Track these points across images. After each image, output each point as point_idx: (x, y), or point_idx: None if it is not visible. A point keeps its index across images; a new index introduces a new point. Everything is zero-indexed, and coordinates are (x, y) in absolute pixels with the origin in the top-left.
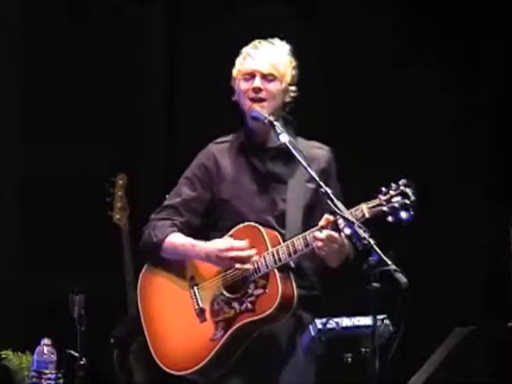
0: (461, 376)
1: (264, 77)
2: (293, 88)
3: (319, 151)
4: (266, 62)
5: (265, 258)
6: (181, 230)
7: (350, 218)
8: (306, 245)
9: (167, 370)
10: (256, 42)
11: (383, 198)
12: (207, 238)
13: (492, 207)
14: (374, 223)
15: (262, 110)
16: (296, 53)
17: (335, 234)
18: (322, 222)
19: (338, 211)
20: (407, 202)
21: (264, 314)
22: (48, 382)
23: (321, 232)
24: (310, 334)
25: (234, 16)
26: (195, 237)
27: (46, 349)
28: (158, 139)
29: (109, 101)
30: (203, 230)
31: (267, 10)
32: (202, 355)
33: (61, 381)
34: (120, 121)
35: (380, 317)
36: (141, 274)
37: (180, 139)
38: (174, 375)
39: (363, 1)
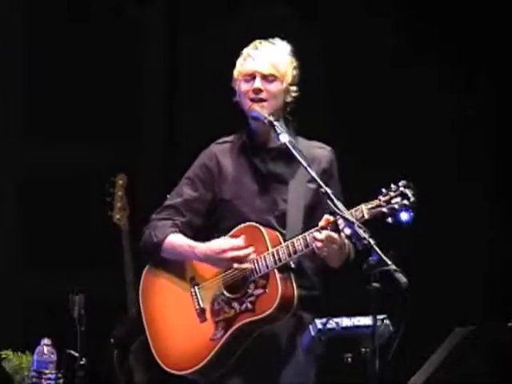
0: (461, 376)
1: (264, 77)
2: (294, 88)
3: (320, 151)
4: (267, 63)
5: (265, 258)
6: (182, 231)
7: (350, 218)
8: (306, 245)
9: (168, 369)
10: (256, 42)
11: (383, 199)
12: (208, 239)
13: (492, 207)
14: (374, 223)
15: (262, 110)
16: (297, 53)
17: (334, 235)
18: (321, 223)
19: (338, 211)
20: (407, 203)
21: (264, 314)
22: (48, 381)
23: (320, 233)
24: (310, 334)
25: (234, 16)
26: (196, 237)
27: (45, 349)
28: (158, 139)
29: (109, 101)
30: (204, 231)
31: (267, 10)
32: (203, 355)
33: (61, 381)
34: (120, 121)
35: (380, 317)
36: (142, 276)
37: (180, 139)
38: (175, 375)
39: (363, 1)
